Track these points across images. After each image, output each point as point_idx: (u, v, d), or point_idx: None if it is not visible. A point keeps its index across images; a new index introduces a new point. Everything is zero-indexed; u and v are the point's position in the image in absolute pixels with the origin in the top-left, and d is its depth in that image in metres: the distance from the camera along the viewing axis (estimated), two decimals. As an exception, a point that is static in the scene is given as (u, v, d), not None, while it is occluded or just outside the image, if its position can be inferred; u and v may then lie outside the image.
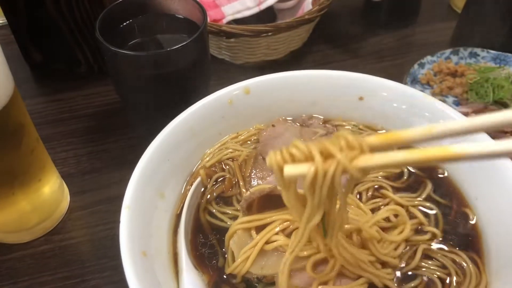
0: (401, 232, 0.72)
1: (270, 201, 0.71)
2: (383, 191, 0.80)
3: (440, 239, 0.74)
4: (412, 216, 0.76)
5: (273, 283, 0.67)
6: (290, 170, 0.49)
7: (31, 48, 1.28)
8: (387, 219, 0.74)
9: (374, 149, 0.47)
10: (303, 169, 0.48)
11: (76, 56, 1.28)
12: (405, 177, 0.83)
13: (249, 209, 0.73)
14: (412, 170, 0.84)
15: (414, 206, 0.78)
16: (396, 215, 0.74)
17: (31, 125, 0.86)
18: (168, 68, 0.93)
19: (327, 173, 0.47)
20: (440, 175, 0.84)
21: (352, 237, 0.68)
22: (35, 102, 1.22)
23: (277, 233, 0.68)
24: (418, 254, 0.71)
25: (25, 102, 0.84)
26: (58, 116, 1.18)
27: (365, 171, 0.47)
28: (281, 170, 0.50)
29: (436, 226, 0.76)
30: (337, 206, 0.55)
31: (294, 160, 0.49)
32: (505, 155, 0.44)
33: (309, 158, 0.48)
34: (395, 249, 0.71)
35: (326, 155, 0.48)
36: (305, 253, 0.65)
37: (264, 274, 0.67)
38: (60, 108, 1.20)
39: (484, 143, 0.44)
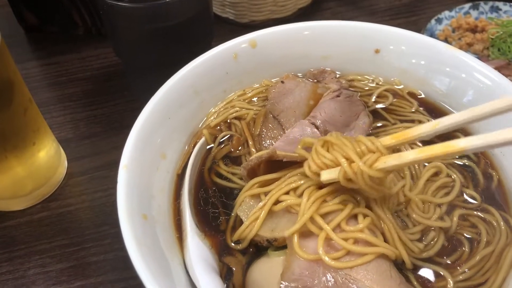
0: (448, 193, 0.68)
1: (275, 165, 0.65)
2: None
3: (478, 200, 0.68)
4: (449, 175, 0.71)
5: (285, 246, 0.61)
6: (326, 175, 0.58)
7: (25, 10, 1.21)
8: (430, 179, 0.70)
9: (389, 148, 0.56)
10: (335, 173, 0.57)
11: (72, 18, 1.21)
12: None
13: (252, 176, 0.67)
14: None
15: (450, 164, 0.72)
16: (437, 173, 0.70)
17: (22, 84, 0.80)
18: (167, 22, 0.87)
19: (357, 173, 0.55)
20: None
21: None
22: (30, 66, 1.16)
23: (287, 193, 0.63)
24: (455, 220, 0.65)
25: (19, 66, 0.79)
26: (54, 80, 1.12)
27: (385, 171, 0.54)
28: (317, 175, 0.59)
29: (474, 185, 0.70)
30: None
31: (327, 166, 0.58)
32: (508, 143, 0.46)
33: (337, 163, 0.57)
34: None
35: (350, 160, 0.56)
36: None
37: (275, 236, 0.62)
38: (56, 72, 1.15)
39: (485, 135, 0.47)
